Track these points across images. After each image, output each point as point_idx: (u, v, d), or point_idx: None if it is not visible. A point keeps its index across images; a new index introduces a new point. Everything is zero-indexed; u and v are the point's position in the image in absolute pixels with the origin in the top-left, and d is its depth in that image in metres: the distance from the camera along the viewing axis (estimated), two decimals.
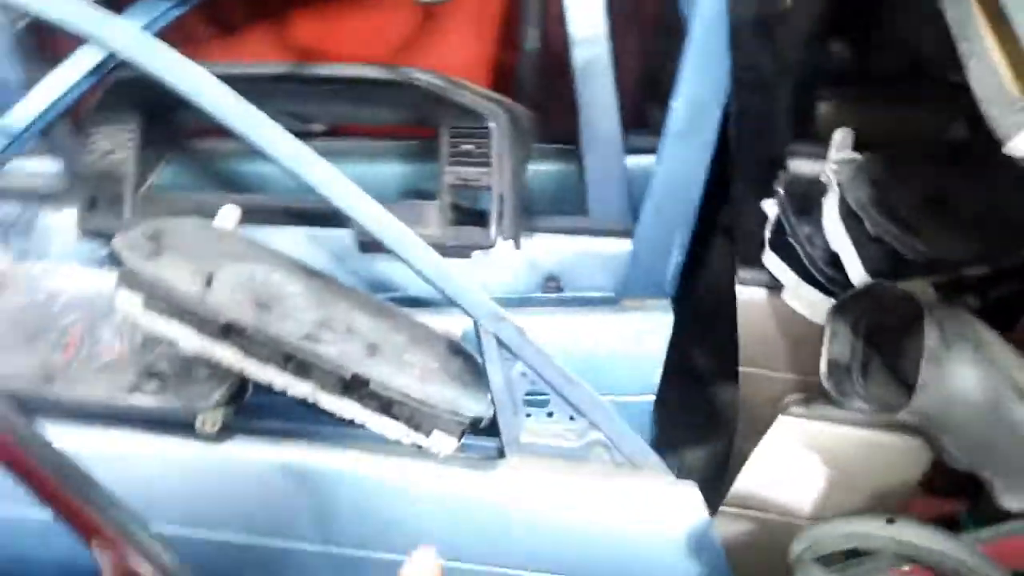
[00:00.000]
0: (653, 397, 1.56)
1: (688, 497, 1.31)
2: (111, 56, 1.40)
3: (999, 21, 0.69)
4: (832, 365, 1.14)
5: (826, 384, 1.14)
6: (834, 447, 1.37)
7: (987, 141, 0.73)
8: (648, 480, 1.33)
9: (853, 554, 1.09)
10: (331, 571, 1.40)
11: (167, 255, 1.25)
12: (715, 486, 1.47)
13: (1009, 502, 1.05)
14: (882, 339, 1.15)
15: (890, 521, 1.03)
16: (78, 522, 1.02)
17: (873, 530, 1.01)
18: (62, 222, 1.63)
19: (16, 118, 1.44)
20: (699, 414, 1.71)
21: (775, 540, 1.22)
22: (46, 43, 1.63)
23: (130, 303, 1.25)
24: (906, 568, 1.04)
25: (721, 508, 1.45)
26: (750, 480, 1.43)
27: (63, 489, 1.02)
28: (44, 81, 1.43)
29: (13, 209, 1.66)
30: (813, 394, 1.43)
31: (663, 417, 1.58)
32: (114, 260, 1.25)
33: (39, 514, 1.08)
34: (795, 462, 1.40)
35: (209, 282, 1.25)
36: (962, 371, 1.00)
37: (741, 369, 1.54)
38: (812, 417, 1.40)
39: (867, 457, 1.31)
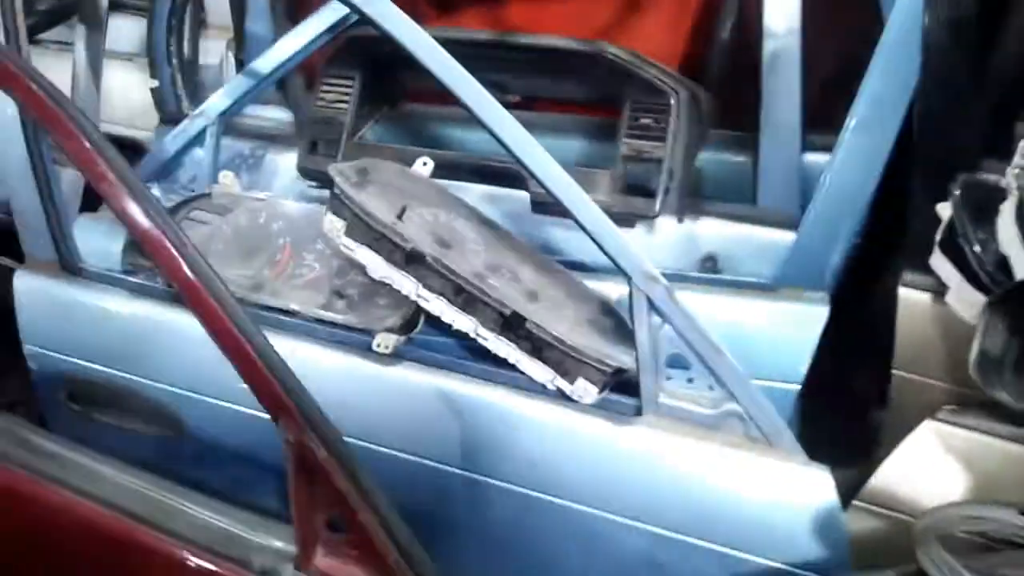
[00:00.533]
0: (798, 386, 1.57)
1: (819, 480, 1.33)
2: (346, 17, 1.63)
3: None
4: (983, 356, 1.14)
5: (973, 373, 1.14)
6: (977, 457, 1.34)
7: None
8: (780, 457, 1.36)
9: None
10: (469, 495, 1.53)
11: (370, 187, 1.44)
12: (853, 479, 1.47)
13: None
14: None
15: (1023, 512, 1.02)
16: (270, 401, 1.22)
17: (1004, 517, 1.01)
18: (285, 162, 1.88)
19: (262, 64, 1.69)
20: (846, 410, 1.70)
21: (903, 540, 1.22)
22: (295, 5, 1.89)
23: (334, 227, 1.44)
24: None
25: (855, 502, 1.45)
26: (888, 478, 1.42)
27: (264, 369, 1.21)
28: (289, 35, 1.67)
29: (245, 146, 1.94)
30: (964, 404, 1.41)
31: (809, 408, 1.59)
32: (327, 185, 1.45)
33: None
34: (935, 467, 1.38)
35: (401, 215, 1.42)
36: None
37: (895, 372, 1.53)
38: (959, 425, 1.38)
39: (1007, 471, 1.27)
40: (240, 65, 2.21)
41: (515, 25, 1.92)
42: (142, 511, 1.32)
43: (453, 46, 1.33)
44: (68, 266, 1.69)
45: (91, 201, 1.95)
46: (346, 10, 1.59)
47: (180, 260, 1.22)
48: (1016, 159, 1.34)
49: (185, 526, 1.30)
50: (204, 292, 1.23)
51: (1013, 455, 1.32)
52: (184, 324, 1.60)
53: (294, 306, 1.53)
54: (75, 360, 1.70)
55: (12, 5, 1.53)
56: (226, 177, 1.76)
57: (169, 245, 1.22)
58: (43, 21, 2.22)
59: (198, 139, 1.80)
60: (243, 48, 2.21)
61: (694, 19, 1.91)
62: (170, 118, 2.09)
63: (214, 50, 2.27)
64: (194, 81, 2.16)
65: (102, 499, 1.34)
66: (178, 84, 2.10)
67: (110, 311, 1.66)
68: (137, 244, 1.68)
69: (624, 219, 1.56)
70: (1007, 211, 1.31)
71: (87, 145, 1.28)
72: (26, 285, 1.69)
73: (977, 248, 1.35)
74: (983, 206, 1.37)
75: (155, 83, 2.10)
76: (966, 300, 1.37)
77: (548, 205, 1.57)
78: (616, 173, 1.59)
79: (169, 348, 1.64)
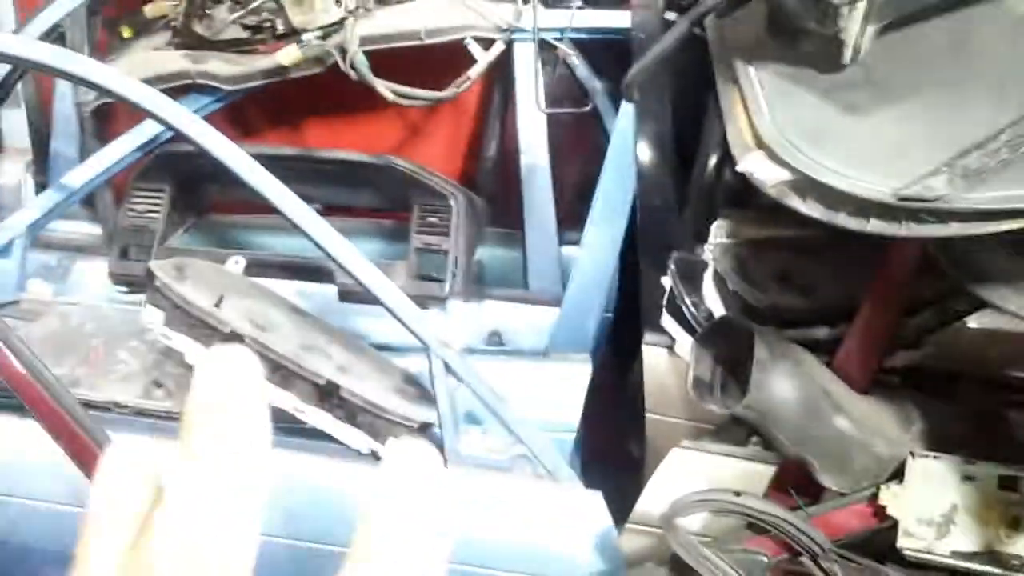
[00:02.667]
0: (574, 434, 1.87)
1: (595, 504, 1.61)
2: (157, 135, 1.81)
3: (744, 101, 1.12)
4: (696, 379, 1.48)
5: (691, 393, 1.48)
6: (714, 472, 1.67)
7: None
8: (562, 488, 1.63)
9: None
10: (292, 562, 1.64)
11: (188, 281, 1.60)
12: (623, 507, 1.76)
13: (826, 481, 1.38)
14: (735, 367, 1.51)
15: (737, 494, 1.34)
16: (81, 453, 1.31)
17: (723, 497, 1.32)
18: (94, 271, 1.97)
19: (73, 178, 1.81)
20: (613, 450, 2.02)
21: (666, 552, 1.51)
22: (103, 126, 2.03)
23: (154, 318, 1.58)
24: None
25: (627, 525, 1.73)
26: (650, 500, 1.72)
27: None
28: (101, 151, 1.81)
29: (52, 257, 2.00)
30: (700, 434, 1.77)
31: (585, 450, 1.89)
32: (145, 282, 1.59)
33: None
34: (685, 484, 1.70)
35: (219, 303, 1.59)
36: (784, 379, 1.35)
37: (647, 414, 1.87)
38: (699, 450, 1.72)
39: (737, 479, 1.61)
40: (41, 186, 2.28)
41: (312, 144, 2.19)
42: None
43: (262, 160, 1.56)
44: None
45: None
46: (158, 129, 1.77)
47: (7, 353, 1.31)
48: (710, 240, 1.77)
49: None
50: (31, 382, 1.32)
51: (737, 468, 1.67)
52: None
53: (115, 397, 1.62)
54: None
55: None
56: (36, 285, 1.83)
57: None
58: None
59: (4, 251, 1.86)
60: (43, 168, 2.29)
61: (465, 139, 2.28)
62: None
63: (9, 171, 2.32)
64: None
65: None
66: None
67: None
68: None
69: (419, 302, 1.81)
70: (708, 277, 1.72)
71: None
72: None
73: (691, 307, 1.74)
74: (692, 276, 1.78)
75: None
76: (688, 348, 1.74)
77: (353, 294, 1.79)
78: (410, 264, 1.86)
79: None
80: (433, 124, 2.25)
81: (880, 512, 1.38)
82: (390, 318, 1.61)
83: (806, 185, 1.06)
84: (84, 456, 1.32)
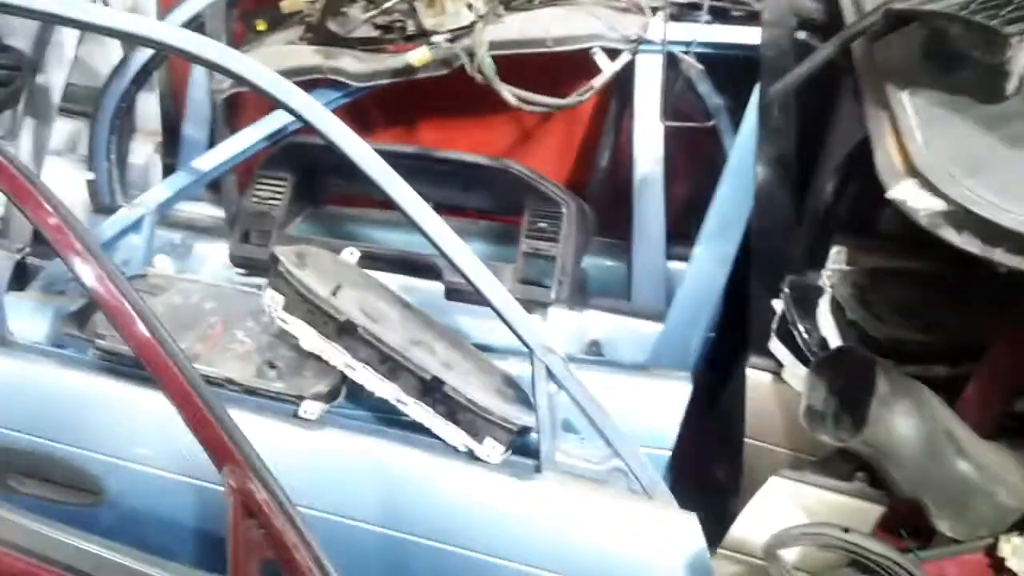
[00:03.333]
0: (669, 452, 1.85)
1: (689, 525, 1.58)
2: (285, 127, 1.88)
3: (896, 127, 1.08)
4: (809, 409, 1.45)
5: (803, 421, 1.44)
6: (813, 505, 1.62)
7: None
8: (657, 507, 1.60)
9: None
10: (382, 550, 1.67)
11: (308, 268, 1.65)
12: (711, 530, 1.73)
13: (942, 526, 1.32)
14: (851, 399, 1.46)
15: (845, 530, 1.30)
16: (216, 449, 1.36)
17: (832, 532, 1.28)
18: (215, 252, 2.06)
19: (203, 163, 1.90)
20: (709, 472, 1.99)
21: None
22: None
23: (274, 302, 1.63)
24: None
25: (718, 550, 1.70)
26: (743, 528, 1.69)
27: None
28: (231, 138, 1.89)
29: (176, 236, 2.11)
30: (801, 464, 1.72)
31: (679, 469, 1.86)
32: (265, 265, 1.65)
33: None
34: (781, 515, 1.65)
35: (335, 292, 1.63)
36: (904, 416, 1.30)
37: (746, 440, 1.84)
38: (799, 480, 1.67)
39: (836, 515, 1.56)
40: (168, 167, 2.41)
41: (426, 142, 2.24)
42: (76, 564, 1.39)
43: (383, 156, 1.60)
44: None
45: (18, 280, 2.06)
46: (286, 120, 1.84)
47: (137, 320, 1.37)
48: (828, 265, 1.72)
49: None
50: (159, 350, 1.37)
51: (839, 503, 1.62)
52: (113, 393, 1.72)
53: (230, 374, 1.68)
54: None
55: None
56: (161, 261, 1.92)
57: (129, 308, 1.38)
58: None
59: (134, 227, 1.96)
60: (170, 151, 2.41)
61: (579, 147, 2.29)
62: (103, 208, 2.24)
63: (140, 151, 2.45)
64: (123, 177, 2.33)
65: (38, 554, 1.40)
66: (114, 178, 2.26)
67: (39, 381, 1.74)
68: (77, 316, 1.80)
69: (523, 306, 1.83)
70: (824, 304, 1.68)
71: (56, 218, 1.44)
72: None
73: (804, 334, 1.70)
74: (806, 302, 1.73)
75: (91, 176, 2.25)
76: (798, 375, 1.70)
77: (461, 292, 1.82)
78: (517, 267, 1.88)
79: (96, 417, 1.73)
80: (547, 129, 2.26)
81: (997, 564, 1.31)
82: (493, 319, 1.62)
83: (962, 217, 1.02)
84: (203, 428, 1.37)
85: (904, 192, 1.06)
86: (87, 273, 1.40)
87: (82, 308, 1.81)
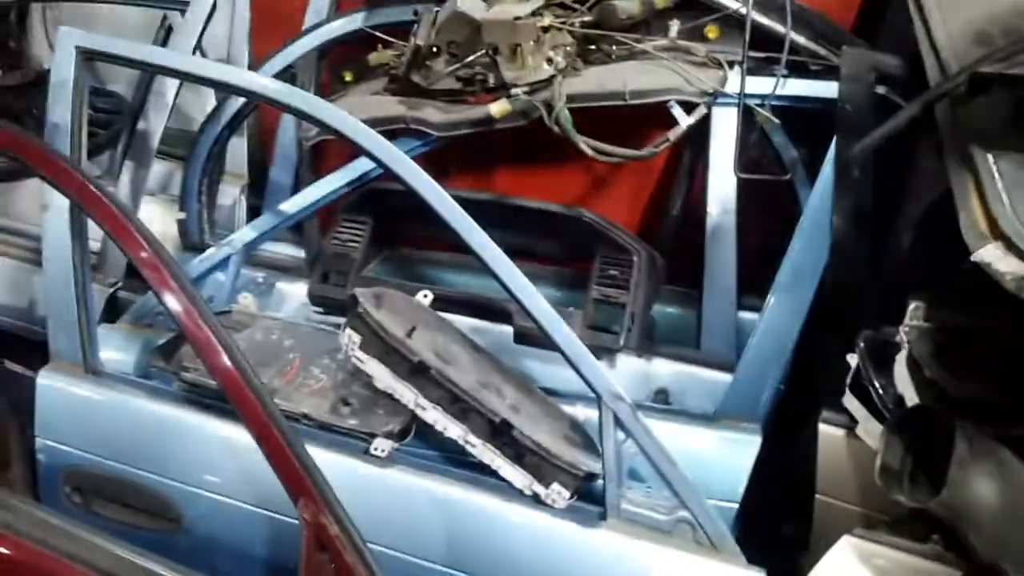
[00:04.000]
0: (737, 505, 1.82)
1: None
2: (367, 173, 1.95)
3: (980, 188, 1.08)
4: (884, 468, 1.42)
5: (878, 480, 1.41)
6: (885, 566, 1.58)
7: None
8: (724, 560, 1.58)
9: None
10: None
11: (384, 309, 1.70)
12: None
13: None
14: (928, 459, 1.43)
15: None
16: (293, 483, 1.40)
17: None
18: (294, 291, 2.14)
19: (289, 206, 1.99)
20: (777, 527, 1.94)
21: None
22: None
23: (352, 341, 1.68)
24: None
25: None
26: None
27: (290, 455, 1.40)
28: (316, 183, 1.98)
29: (258, 275, 2.19)
30: (874, 523, 1.68)
31: (746, 523, 1.83)
32: (343, 306, 1.70)
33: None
34: (853, 575, 1.62)
35: (410, 333, 1.68)
36: (984, 479, 1.27)
37: (817, 496, 1.80)
38: (871, 540, 1.63)
39: None
40: (252, 208, 2.52)
41: (499, 189, 2.30)
42: None
43: (460, 202, 1.65)
44: (91, 368, 1.86)
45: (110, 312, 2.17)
46: (369, 166, 1.92)
47: (224, 355, 1.44)
48: (906, 320, 1.70)
49: None
50: (242, 384, 1.43)
51: (913, 566, 1.57)
52: (195, 424, 1.79)
53: (306, 410, 1.74)
54: (84, 453, 1.83)
55: (79, 126, 1.79)
56: (245, 299, 2.00)
57: (216, 341, 1.45)
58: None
59: (221, 265, 2.06)
60: (256, 193, 2.52)
61: (650, 195, 2.32)
62: (191, 246, 2.35)
63: (227, 193, 2.58)
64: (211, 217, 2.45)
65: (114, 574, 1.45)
66: (203, 218, 2.38)
67: (124, 409, 1.83)
68: (164, 349, 1.89)
69: (592, 352, 1.85)
70: (900, 360, 1.65)
71: (151, 255, 1.53)
72: (48, 381, 1.85)
73: (880, 389, 1.67)
74: (882, 357, 1.71)
75: (182, 215, 2.38)
76: (872, 432, 1.67)
77: (530, 337, 1.84)
78: (586, 313, 1.90)
79: (178, 446, 1.80)
80: (620, 178, 2.30)
81: None
82: (561, 364, 1.63)
83: None
84: (281, 462, 1.42)
85: (989, 255, 1.06)
86: (178, 307, 1.48)
87: (169, 341, 1.90)
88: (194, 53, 2.23)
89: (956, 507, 1.28)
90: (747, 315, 2.03)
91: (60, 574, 1.43)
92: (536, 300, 1.61)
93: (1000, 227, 1.07)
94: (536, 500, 1.64)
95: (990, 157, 1.15)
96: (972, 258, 1.09)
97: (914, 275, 1.89)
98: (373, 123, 1.93)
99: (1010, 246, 1.05)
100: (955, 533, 1.35)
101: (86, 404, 1.84)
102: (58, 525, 1.53)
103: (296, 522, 1.38)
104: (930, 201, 1.77)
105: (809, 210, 1.83)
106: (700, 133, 2.00)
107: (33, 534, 1.47)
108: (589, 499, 1.66)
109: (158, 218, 2.38)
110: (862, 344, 1.74)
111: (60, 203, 1.77)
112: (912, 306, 1.70)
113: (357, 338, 1.67)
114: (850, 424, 1.75)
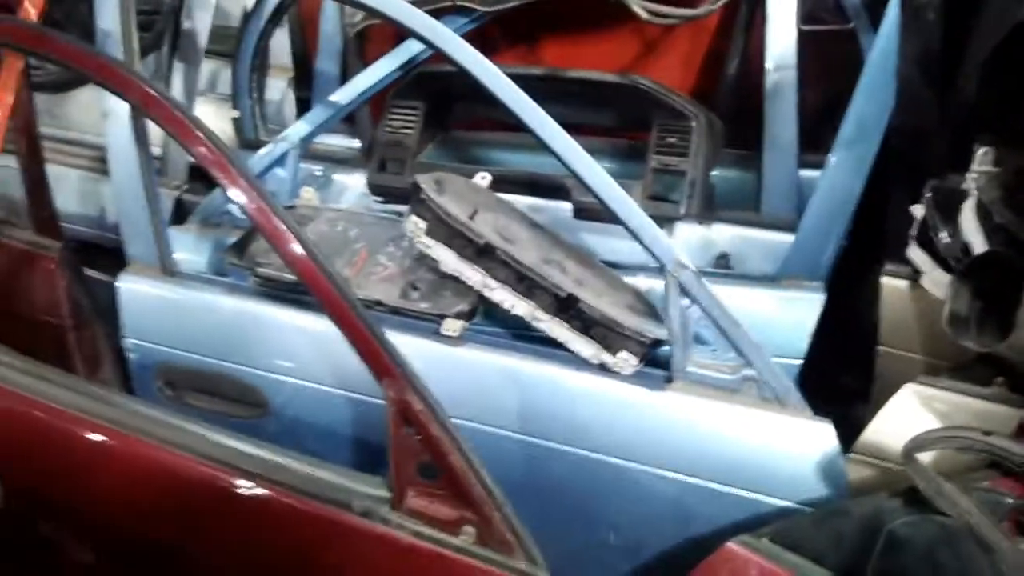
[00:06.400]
0: (801, 361, 1.86)
1: (824, 431, 1.60)
2: (415, 56, 1.93)
3: None
4: (953, 315, 1.43)
5: (946, 327, 1.43)
6: (947, 412, 1.61)
7: None
8: (791, 413, 1.63)
9: None
10: (524, 456, 1.78)
11: (447, 195, 1.73)
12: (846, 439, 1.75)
13: None
14: (996, 304, 1.43)
15: (987, 433, 1.30)
16: (376, 364, 1.46)
17: (973, 436, 1.29)
18: (352, 182, 2.17)
19: (340, 96, 1.99)
20: (841, 379, 1.99)
21: (892, 484, 1.49)
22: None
23: (417, 227, 1.72)
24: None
25: (849, 454, 1.72)
26: (876, 433, 1.70)
27: (371, 338, 1.46)
28: (365, 71, 1.96)
29: (316, 168, 2.22)
30: (937, 371, 1.71)
31: (811, 377, 1.88)
32: (404, 193, 1.73)
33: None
34: (915, 421, 1.65)
35: (473, 216, 1.71)
36: None
37: (880, 347, 1.83)
38: (934, 386, 1.66)
39: (975, 419, 1.55)
40: (299, 101, 2.52)
41: (549, 63, 2.25)
42: (250, 467, 1.53)
43: (513, 79, 1.63)
44: (167, 268, 1.94)
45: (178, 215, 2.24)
46: (417, 49, 1.89)
47: (299, 249, 1.49)
48: (974, 167, 1.66)
49: (290, 478, 1.51)
50: (321, 276, 1.48)
51: (976, 409, 1.60)
52: (273, 315, 1.87)
53: (377, 296, 1.80)
54: (171, 350, 1.94)
55: (130, 29, 1.80)
56: (307, 192, 2.04)
57: (291, 237, 1.49)
58: None
59: (280, 160, 2.09)
60: (302, 85, 2.52)
61: (705, 56, 2.25)
62: (248, 144, 2.39)
63: (274, 87, 2.58)
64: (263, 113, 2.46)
65: (213, 457, 1.54)
66: (257, 115, 2.40)
67: (206, 306, 1.91)
68: (237, 246, 1.96)
69: (655, 221, 1.86)
70: (968, 209, 1.62)
71: (217, 154, 1.56)
72: (129, 285, 1.93)
73: (946, 239, 1.66)
74: (949, 206, 1.68)
75: (236, 113, 2.40)
76: (938, 282, 1.67)
77: (590, 211, 1.85)
78: (646, 183, 1.90)
79: (258, 337, 1.89)
80: (672, 41, 2.23)
81: None
82: (619, 236, 1.65)
83: None
84: (363, 344, 1.48)
85: None
86: (249, 203, 1.52)
87: (241, 239, 1.96)
88: None
89: None
90: (809, 173, 2.00)
91: (159, 460, 1.57)
92: (596, 174, 1.61)
93: None
94: (604, 369, 1.69)
95: None
96: None
97: (982, 120, 1.84)
98: (418, 3, 1.89)
99: None
100: (1021, 375, 1.37)
101: (168, 304, 1.93)
102: (154, 415, 1.66)
103: (378, 401, 1.46)
104: (998, 41, 1.69)
105: (874, 58, 1.77)
106: None
107: (132, 424, 1.60)
108: (656, 365, 1.71)
109: (212, 117, 2.41)
110: (929, 194, 1.71)
111: (121, 109, 1.80)
112: (980, 151, 1.66)
113: (422, 224, 1.71)
114: (913, 276, 1.75)
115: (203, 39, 2.22)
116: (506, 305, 1.72)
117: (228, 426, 1.95)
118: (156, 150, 2.07)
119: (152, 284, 1.93)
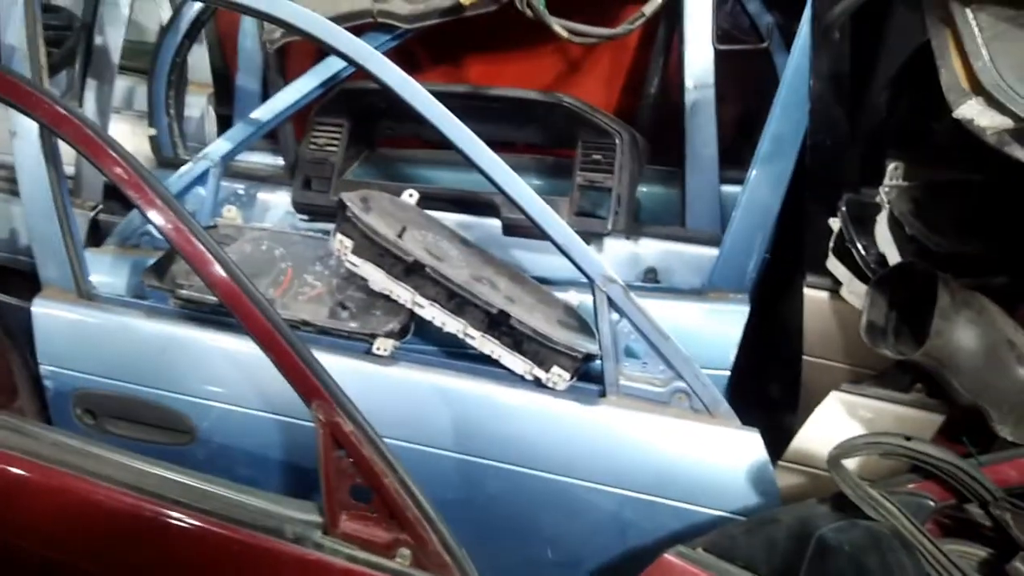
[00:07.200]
0: (728, 372, 1.90)
1: (752, 441, 1.63)
2: (338, 72, 1.91)
3: (960, 44, 1.09)
4: (870, 325, 1.48)
5: (864, 337, 1.48)
6: (872, 418, 1.67)
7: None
8: (720, 424, 1.66)
9: None
10: (459, 474, 1.76)
11: (373, 212, 1.70)
12: (774, 448, 1.79)
13: (1003, 431, 1.36)
14: (910, 313, 1.49)
15: (908, 438, 1.35)
16: (304, 387, 1.43)
17: (894, 441, 1.33)
18: (276, 200, 2.12)
19: (261, 113, 1.95)
20: (767, 389, 2.04)
21: (821, 490, 1.53)
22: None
23: (343, 246, 1.69)
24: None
25: (779, 462, 1.76)
26: (804, 441, 1.74)
27: (298, 360, 1.43)
28: (287, 88, 1.93)
29: (239, 186, 2.17)
30: (859, 379, 1.76)
31: (738, 388, 1.92)
32: (328, 211, 1.70)
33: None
34: (841, 428, 1.70)
35: (401, 234, 1.69)
36: (966, 327, 1.33)
37: (804, 357, 1.88)
38: (858, 394, 1.71)
39: (895, 427, 1.60)
40: (220, 117, 2.46)
41: (473, 80, 2.26)
42: (176, 495, 1.48)
43: (435, 96, 1.63)
44: (83, 292, 1.86)
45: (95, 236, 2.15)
46: (340, 66, 1.87)
47: (221, 270, 1.45)
48: (886, 181, 1.73)
49: (219, 506, 1.47)
50: (243, 297, 1.44)
51: (898, 414, 1.66)
52: (197, 338, 1.81)
53: (305, 317, 1.76)
54: (90, 376, 1.86)
55: (37, 45, 1.73)
56: (230, 211, 1.99)
57: (211, 258, 1.45)
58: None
59: (201, 179, 2.03)
60: (223, 101, 2.46)
61: (626, 74, 2.29)
62: (166, 162, 2.31)
63: (193, 104, 2.51)
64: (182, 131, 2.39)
65: (138, 487, 1.49)
66: (175, 132, 2.33)
67: (125, 330, 1.84)
68: (156, 268, 1.89)
69: (582, 237, 1.88)
70: (882, 221, 1.69)
71: (132, 174, 1.51)
72: (44, 310, 1.85)
73: (862, 251, 1.72)
74: (863, 219, 1.74)
75: (153, 131, 2.32)
76: (856, 292, 1.73)
77: (517, 228, 1.86)
78: (572, 200, 1.91)
79: (182, 361, 1.82)
80: (594, 59, 2.26)
81: None
82: (549, 252, 1.66)
83: None
84: (290, 367, 1.44)
85: (970, 111, 1.07)
86: (167, 224, 1.47)
87: (161, 260, 1.90)
88: None
89: (940, 355, 1.35)
90: (730, 188, 2.06)
91: (82, 491, 1.50)
92: (523, 191, 1.62)
93: (980, 82, 1.08)
94: (537, 384, 1.70)
95: (969, 12, 1.15)
96: (954, 115, 1.11)
97: (892, 136, 1.92)
98: (338, 20, 1.88)
99: (991, 100, 1.07)
100: (938, 380, 1.43)
101: (86, 328, 1.85)
102: (75, 445, 1.59)
103: (309, 424, 1.42)
104: (904, 59, 1.77)
105: (787, 77, 1.82)
106: (675, 7, 1.96)
107: (52, 456, 1.53)
108: (588, 379, 1.72)
109: (128, 135, 2.33)
110: (843, 207, 1.77)
111: (29, 128, 1.73)
112: (891, 166, 1.73)
113: (349, 243, 1.68)
114: (834, 287, 1.81)
115: (116, 54, 2.15)
116: (437, 323, 1.71)
117: (154, 454, 1.89)
118: (69, 169, 1.98)
119: (68, 308, 1.85)
